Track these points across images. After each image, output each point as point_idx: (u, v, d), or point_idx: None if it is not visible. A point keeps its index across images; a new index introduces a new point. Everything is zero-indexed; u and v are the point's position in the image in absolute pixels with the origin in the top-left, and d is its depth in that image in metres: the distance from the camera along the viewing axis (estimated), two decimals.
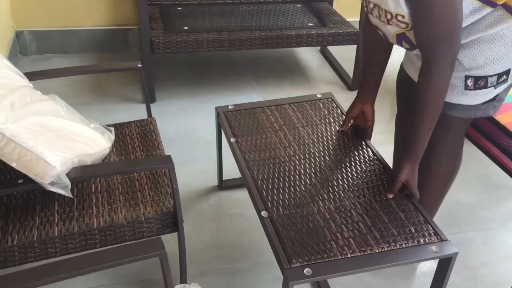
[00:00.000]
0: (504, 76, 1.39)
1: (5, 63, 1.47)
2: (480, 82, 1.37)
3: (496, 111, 1.51)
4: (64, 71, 2.02)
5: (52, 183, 1.25)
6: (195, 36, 2.54)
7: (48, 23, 3.05)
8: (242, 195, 2.06)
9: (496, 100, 1.46)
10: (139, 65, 1.79)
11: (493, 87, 1.39)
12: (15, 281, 1.01)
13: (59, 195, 1.46)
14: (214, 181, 2.13)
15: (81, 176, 1.35)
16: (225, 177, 2.10)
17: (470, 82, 1.38)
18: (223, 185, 2.10)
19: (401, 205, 1.42)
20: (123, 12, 3.12)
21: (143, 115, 1.89)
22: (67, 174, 1.28)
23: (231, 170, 2.09)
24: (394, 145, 1.83)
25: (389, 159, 1.72)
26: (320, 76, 3.07)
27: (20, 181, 1.27)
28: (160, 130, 1.82)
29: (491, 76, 1.37)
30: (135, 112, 2.59)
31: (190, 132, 2.47)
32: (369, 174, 1.54)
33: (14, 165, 1.22)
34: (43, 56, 3.12)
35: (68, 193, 1.28)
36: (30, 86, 1.50)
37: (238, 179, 2.08)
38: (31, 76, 1.64)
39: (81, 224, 1.38)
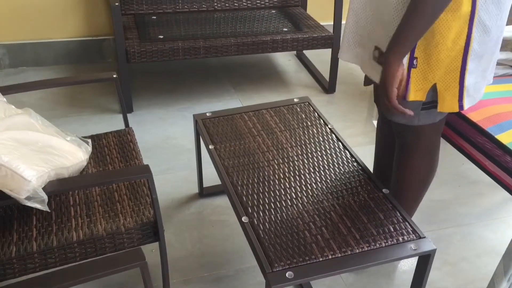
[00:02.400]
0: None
1: None
2: (375, 52, 1.34)
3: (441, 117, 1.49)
4: (38, 83, 1.99)
5: (28, 198, 1.24)
6: (171, 45, 2.53)
7: (21, 35, 3.02)
8: (223, 202, 2.06)
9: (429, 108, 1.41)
10: (115, 76, 1.78)
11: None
12: None
13: (37, 209, 1.44)
14: (195, 189, 2.13)
15: (58, 189, 1.33)
16: (206, 184, 2.10)
17: (376, 53, 1.36)
18: (204, 192, 2.10)
19: (380, 205, 1.44)
20: (97, 22, 3.10)
21: (121, 126, 1.88)
22: (44, 188, 1.27)
23: (211, 177, 2.10)
24: (375, 150, 1.85)
25: (366, 161, 1.75)
26: (297, 80, 3.10)
27: None
28: (138, 139, 1.82)
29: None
30: (112, 123, 2.57)
31: (169, 140, 2.47)
32: (347, 175, 1.56)
33: None
34: (16, 69, 3.07)
35: (45, 208, 1.27)
36: (4, 100, 1.48)
37: (218, 185, 2.09)
38: (5, 90, 1.62)
39: (60, 238, 1.36)
